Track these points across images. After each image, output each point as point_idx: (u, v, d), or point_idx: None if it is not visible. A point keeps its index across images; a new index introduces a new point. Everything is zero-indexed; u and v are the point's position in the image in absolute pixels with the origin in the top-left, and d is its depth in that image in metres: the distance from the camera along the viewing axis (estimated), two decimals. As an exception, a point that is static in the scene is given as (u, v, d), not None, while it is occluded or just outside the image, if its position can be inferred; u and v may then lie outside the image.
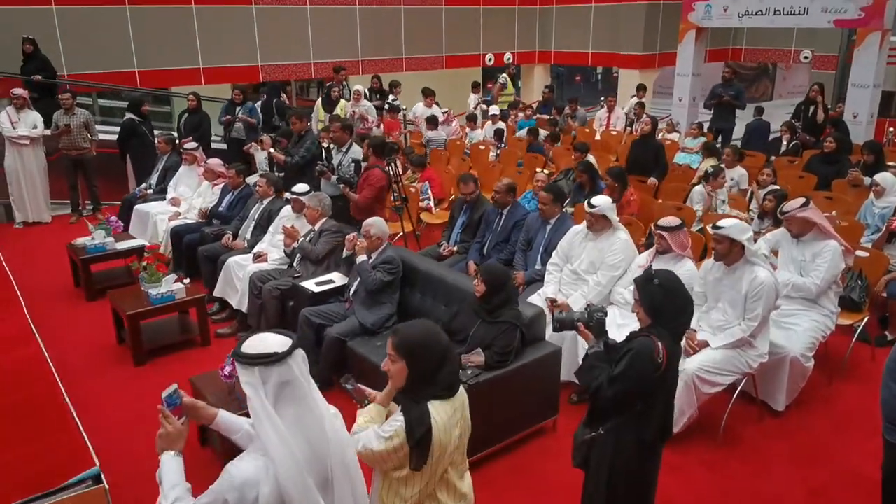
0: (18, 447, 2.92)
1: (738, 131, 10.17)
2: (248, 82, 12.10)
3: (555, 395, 4.20)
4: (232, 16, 11.78)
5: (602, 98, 12.29)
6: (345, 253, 5.06)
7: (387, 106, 11.28)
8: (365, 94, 11.13)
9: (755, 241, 4.86)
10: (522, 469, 3.90)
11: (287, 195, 5.74)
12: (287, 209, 5.82)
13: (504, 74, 12.88)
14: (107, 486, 2.65)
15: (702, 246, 5.47)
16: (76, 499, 2.56)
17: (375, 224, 4.92)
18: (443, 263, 5.69)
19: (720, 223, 4.11)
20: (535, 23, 15.93)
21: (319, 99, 10.20)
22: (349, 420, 2.18)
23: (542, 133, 9.79)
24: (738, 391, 4.15)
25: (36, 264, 7.10)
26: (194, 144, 7.36)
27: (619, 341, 2.72)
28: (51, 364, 3.75)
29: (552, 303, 4.71)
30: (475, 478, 3.87)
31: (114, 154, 8.95)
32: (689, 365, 3.97)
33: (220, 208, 6.56)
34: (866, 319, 4.90)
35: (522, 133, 10.12)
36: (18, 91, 8.12)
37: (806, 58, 14.88)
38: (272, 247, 5.72)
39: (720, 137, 9.80)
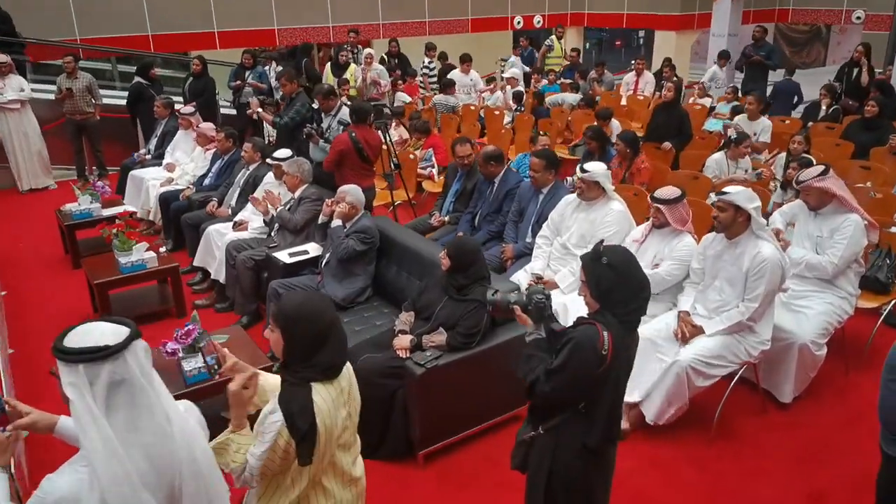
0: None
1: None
2: (264, 46, 11.77)
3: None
4: (248, -23, 11.46)
5: (633, 61, 11.59)
6: (320, 219, 4.75)
7: (425, 71, 10.88)
8: (382, 59, 10.76)
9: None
10: (491, 459, 3.57)
11: (268, 161, 5.44)
12: (270, 176, 5.53)
13: (552, 36, 12.18)
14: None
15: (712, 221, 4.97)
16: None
17: (350, 192, 4.60)
18: (433, 235, 5.36)
19: (726, 189, 3.68)
20: (567, -18, 15.17)
21: (329, 63, 9.82)
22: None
23: (570, 97, 9.30)
24: (736, 378, 3.72)
25: (32, 231, 7.02)
26: (191, 109, 7.10)
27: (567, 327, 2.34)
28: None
29: (538, 279, 4.33)
30: (438, 467, 3.61)
31: (121, 119, 8.81)
32: (682, 356, 3.56)
33: (210, 174, 6.31)
34: (894, 302, 4.38)
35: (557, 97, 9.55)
36: (2, 58, 7.94)
37: (858, 18, 13.80)
38: (254, 215, 5.45)
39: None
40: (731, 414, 3.84)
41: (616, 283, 2.19)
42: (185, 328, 3.55)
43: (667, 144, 6.74)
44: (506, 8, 14.53)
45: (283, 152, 5.37)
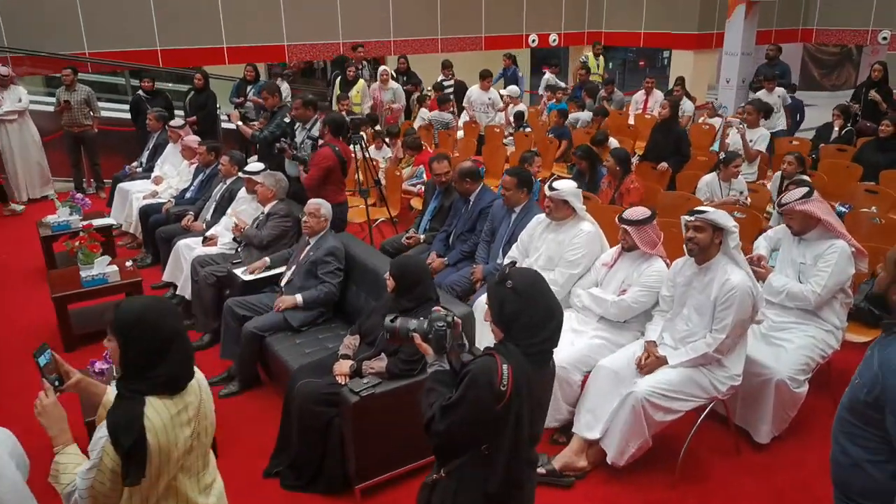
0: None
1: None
2: (272, 62, 11.76)
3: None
4: (257, -7, 11.49)
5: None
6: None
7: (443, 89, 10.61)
8: (392, 76, 10.64)
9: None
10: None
11: (240, 174, 5.31)
12: (244, 190, 5.40)
13: (588, 53, 11.86)
14: None
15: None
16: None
17: (324, 205, 4.45)
18: (406, 255, 5.15)
19: (702, 208, 3.43)
20: (584, 0, 14.96)
21: (337, 79, 9.73)
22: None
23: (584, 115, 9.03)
24: (704, 414, 3.43)
25: (20, 241, 6.99)
26: (180, 121, 7.05)
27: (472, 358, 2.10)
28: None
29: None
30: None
31: (119, 132, 8.83)
32: (638, 387, 3.29)
33: (191, 188, 6.21)
34: (888, 337, 4.03)
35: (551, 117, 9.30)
36: (3, 70, 8.00)
37: (885, 38, 13.35)
38: (225, 230, 5.31)
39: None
40: (701, 454, 3.55)
41: (520, 309, 1.97)
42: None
43: (663, 165, 6.47)
44: (520, 26, 14.37)
45: (256, 166, 5.24)
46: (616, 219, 3.82)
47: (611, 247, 4.11)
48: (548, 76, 11.36)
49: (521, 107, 9.41)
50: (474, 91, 9.52)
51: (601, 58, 11.75)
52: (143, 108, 8.35)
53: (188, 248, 5.22)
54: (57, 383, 1.94)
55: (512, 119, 9.19)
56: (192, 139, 6.58)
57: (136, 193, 6.68)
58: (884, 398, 1.97)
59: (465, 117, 9.64)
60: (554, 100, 10.66)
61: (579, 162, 5.93)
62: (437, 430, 1.99)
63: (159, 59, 10.97)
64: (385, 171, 7.01)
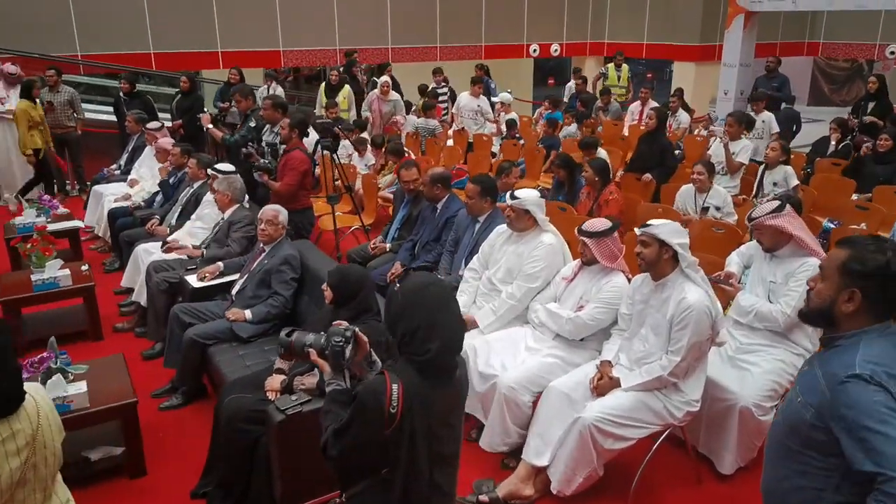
0: None
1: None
2: (266, 67, 11.65)
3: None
4: (253, -3, 11.42)
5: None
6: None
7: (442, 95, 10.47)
8: (374, 83, 10.47)
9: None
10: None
11: (209, 171, 5.15)
12: (210, 194, 5.24)
13: (610, 64, 11.61)
14: None
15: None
16: None
17: (282, 212, 4.28)
18: (371, 264, 4.98)
19: (650, 221, 3.22)
20: (587, 10, 14.79)
21: (323, 84, 9.61)
22: None
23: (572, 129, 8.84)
24: (659, 441, 3.21)
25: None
26: (157, 124, 6.91)
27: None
28: None
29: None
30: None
31: (103, 133, 8.73)
32: (587, 412, 3.08)
33: (160, 194, 6.07)
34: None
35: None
36: (12, 69, 7.94)
37: (892, 53, 13.09)
38: (188, 235, 5.15)
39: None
40: (658, 484, 3.32)
41: (399, 314, 1.80)
42: (40, 356, 3.22)
43: (647, 176, 6.26)
44: (521, 35, 14.23)
45: (227, 166, 5.07)
46: (575, 231, 3.62)
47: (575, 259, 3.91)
48: (570, 84, 11.28)
49: (513, 114, 9.23)
50: (463, 97, 9.39)
51: (623, 68, 11.35)
52: (121, 111, 8.27)
53: (147, 253, 5.06)
54: None
55: (504, 127, 9.01)
56: (167, 141, 6.44)
57: (108, 196, 6.55)
58: (833, 417, 1.75)
59: (457, 125, 9.49)
60: (550, 110, 10.50)
61: (558, 171, 5.75)
62: (331, 454, 1.82)
63: (153, 62, 10.91)
64: (362, 178, 6.84)
